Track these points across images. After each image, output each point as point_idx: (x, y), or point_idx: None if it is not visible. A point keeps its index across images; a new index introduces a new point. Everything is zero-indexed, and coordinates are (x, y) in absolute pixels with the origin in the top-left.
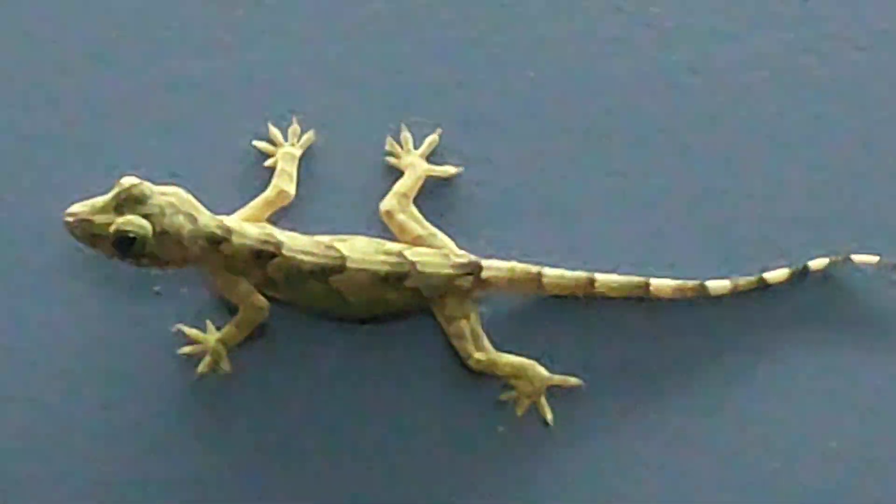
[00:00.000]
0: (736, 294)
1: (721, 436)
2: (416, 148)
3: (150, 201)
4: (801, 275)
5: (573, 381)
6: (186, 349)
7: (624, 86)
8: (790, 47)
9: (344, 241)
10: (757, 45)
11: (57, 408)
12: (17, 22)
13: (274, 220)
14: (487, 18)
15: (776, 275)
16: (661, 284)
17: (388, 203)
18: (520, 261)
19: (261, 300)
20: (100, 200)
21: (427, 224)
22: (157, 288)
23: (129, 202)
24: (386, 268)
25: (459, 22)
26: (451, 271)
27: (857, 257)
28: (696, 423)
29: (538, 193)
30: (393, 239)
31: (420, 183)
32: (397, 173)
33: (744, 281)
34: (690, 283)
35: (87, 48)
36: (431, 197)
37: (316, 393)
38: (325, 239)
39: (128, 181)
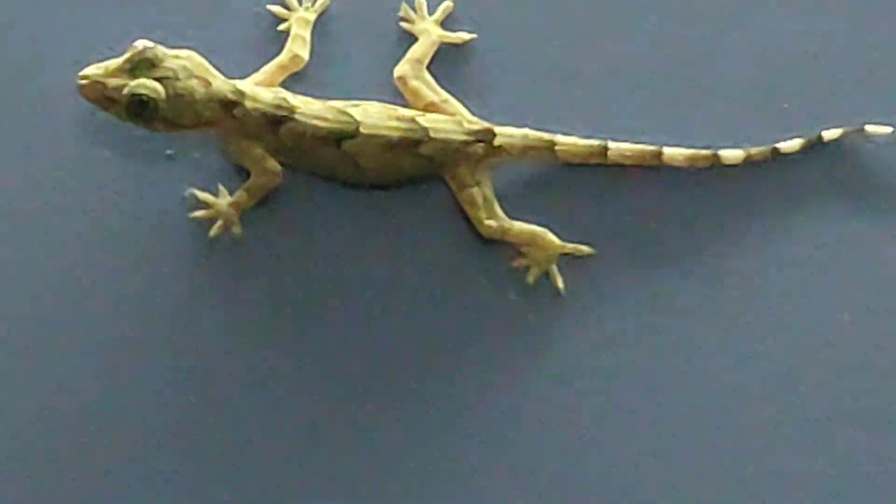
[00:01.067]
0: (749, 163)
1: (732, 306)
2: (430, 13)
3: (163, 64)
4: (815, 145)
5: (585, 249)
6: (199, 213)
7: None
8: None
9: (357, 106)
10: None
11: (68, 270)
12: None
13: (287, 84)
14: None
15: (789, 145)
16: (674, 153)
17: (401, 69)
18: (533, 128)
19: (273, 165)
20: (113, 63)
21: (440, 90)
22: (169, 151)
23: (142, 65)
24: (398, 133)
25: None
26: (464, 137)
27: (870, 128)
28: (708, 293)
29: (552, 60)
30: (406, 105)
31: (434, 49)
32: (411, 39)
33: (757, 150)
34: (704, 151)
35: None
36: (445, 63)
37: (327, 259)
38: (339, 104)
39: (141, 44)
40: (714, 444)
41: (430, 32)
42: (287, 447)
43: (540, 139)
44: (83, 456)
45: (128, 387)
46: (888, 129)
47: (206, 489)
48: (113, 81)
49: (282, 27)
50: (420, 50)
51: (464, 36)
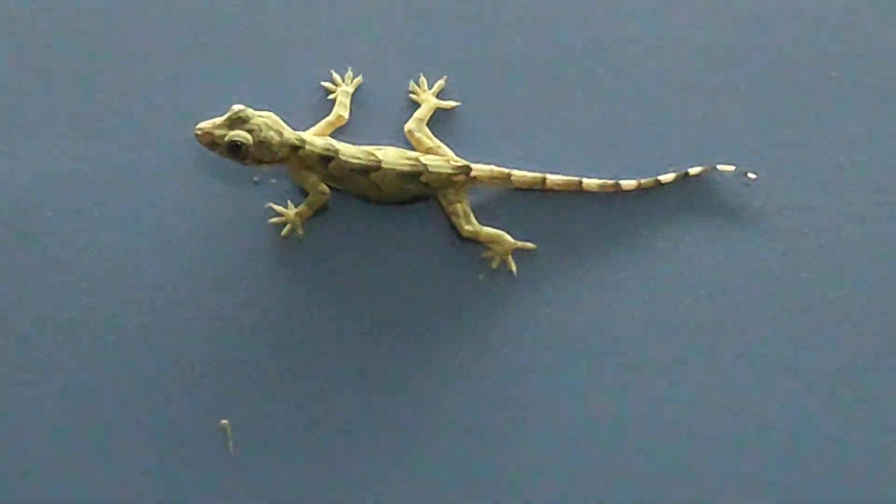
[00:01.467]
0: (640, 189)
1: (628, 285)
2: (429, 88)
3: (251, 121)
4: (684, 177)
5: (530, 245)
6: (275, 220)
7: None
8: None
9: (380, 150)
10: None
11: (184, 261)
12: None
13: (333, 135)
14: (483, 14)
15: (667, 177)
16: (590, 182)
17: (409, 125)
18: (496, 165)
19: (324, 188)
20: (218, 120)
21: (435, 139)
22: (255, 179)
23: (237, 121)
24: (407, 168)
25: (465, 14)
26: (450, 171)
27: (721, 166)
28: (608, 277)
29: (509, 121)
30: (412, 149)
31: (431, 112)
32: (416, 105)
33: (645, 181)
34: (610, 181)
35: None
36: (439, 121)
37: (357, 250)
38: (367, 148)
39: (237, 107)
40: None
41: (428, 101)
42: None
43: (501, 172)
44: (179, 444)
45: (230, 367)
46: (732, 168)
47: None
48: (218, 132)
49: (331, 96)
50: (422, 112)
51: (451, 103)
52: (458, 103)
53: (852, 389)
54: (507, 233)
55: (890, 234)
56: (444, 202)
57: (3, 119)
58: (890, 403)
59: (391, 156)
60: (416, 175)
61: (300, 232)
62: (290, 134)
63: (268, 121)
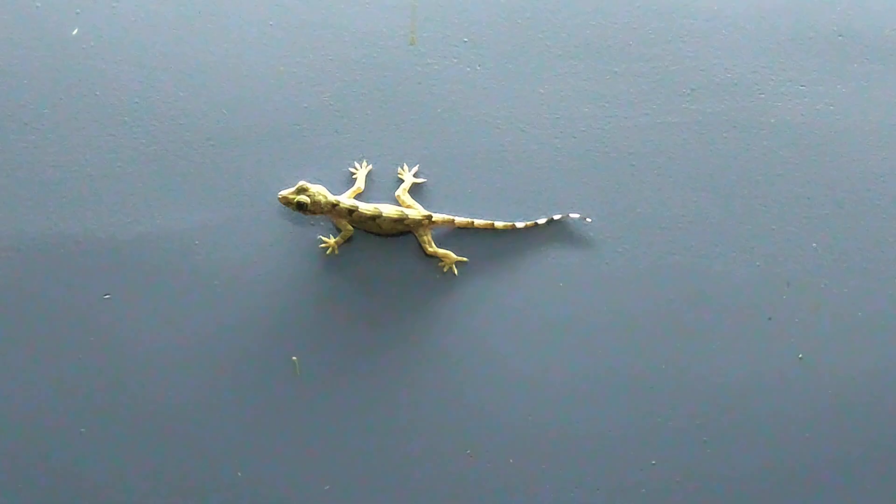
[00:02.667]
0: (526, 228)
1: (522, 292)
2: (409, 170)
3: (310, 190)
4: (551, 221)
5: (464, 259)
6: (322, 245)
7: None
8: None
9: (381, 205)
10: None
11: (268, 274)
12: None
13: (356, 198)
14: (441, 126)
15: (542, 220)
16: (498, 224)
17: (397, 192)
18: (446, 214)
19: (350, 228)
20: (291, 189)
21: (412, 199)
22: (312, 223)
23: (301, 190)
24: (397, 215)
25: (430, 128)
26: (421, 217)
27: (572, 215)
28: (496, 287)
29: (453, 189)
30: (399, 206)
31: (410, 184)
32: (401, 181)
33: (529, 223)
34: (510, 223)
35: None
36: (414, 189)
37: (370, 263)
38: (374, 205)
39: (301, 182)
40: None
41: (408, 178)
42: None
43: (448, 218)
44: (223, 447)
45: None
46: (577, 215)
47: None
48: (291, 196)
49: (354, 176)
50: (404, 185)
51: (421, 180)
52: (425, 180)
53: (656, 393)
54: (452, 252)
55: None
56: (417, 235)
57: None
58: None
59: (387, 209)
60: (402, 220)
61: (336, 252)
62: (331, 197)
63: (319, 190)
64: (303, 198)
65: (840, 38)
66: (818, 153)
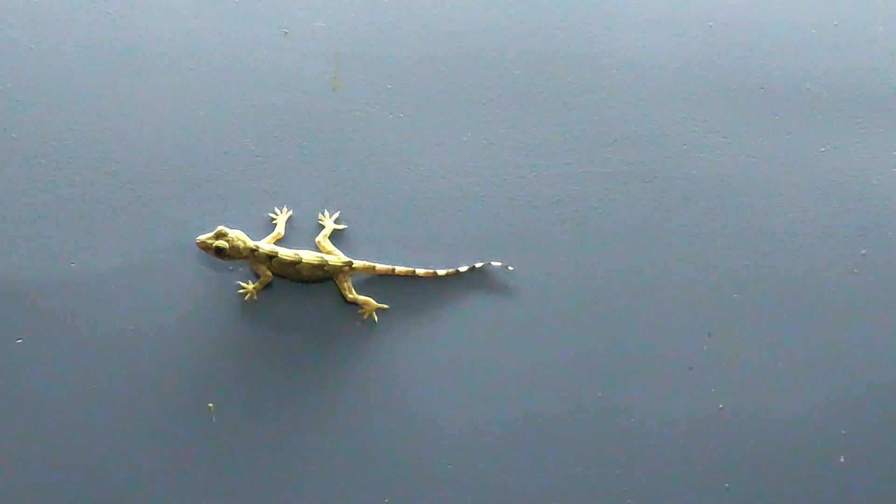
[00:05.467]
0: (447, 276)
1: (443, 338)
2: (329, 217)
3: (228, 234)
4: (472, 269)
5: (385, 306)
6: (241, 291)
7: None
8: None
9: (301, 251)
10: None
11: (181, 322)
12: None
13: (275, 243)
14: (360, 173)
15: (463, 268)
16: (420, 271)
17: (318, 238)
18: (367, 260)
19: (269, 273)
20: (209, 234)
21: (332, 246)
22: (230, 268)
23: (220, 235)
24: (317, 261)
25: (350, 175)
26: (341, 264)
27: (494, 263)
28: (426, 335)
29: (374, 235)
30: (319, 251)
31: (330, 231)
32: (322, 227)
33: (450, 270)
34: (430, 270)
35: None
36: (335, 235)
37: (288, 309)
38: (294, 251)
39: (220, 227)
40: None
41: (329, 224)
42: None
43: (368, 265)
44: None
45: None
46: (499, 264)
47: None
48: (209, 241)
49: (274, 221)
50: (325, 231)
51: (341, 226)
52: (346, 226)
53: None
54: (372, 298)
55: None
56: (337, 282)
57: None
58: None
59: (307, 255)
60: (322, 266)
61: (255, 298)
62: (250, 243)
63: (238, 235)
64: (221, 243)
65: (762, 90)
66: (739, 204)
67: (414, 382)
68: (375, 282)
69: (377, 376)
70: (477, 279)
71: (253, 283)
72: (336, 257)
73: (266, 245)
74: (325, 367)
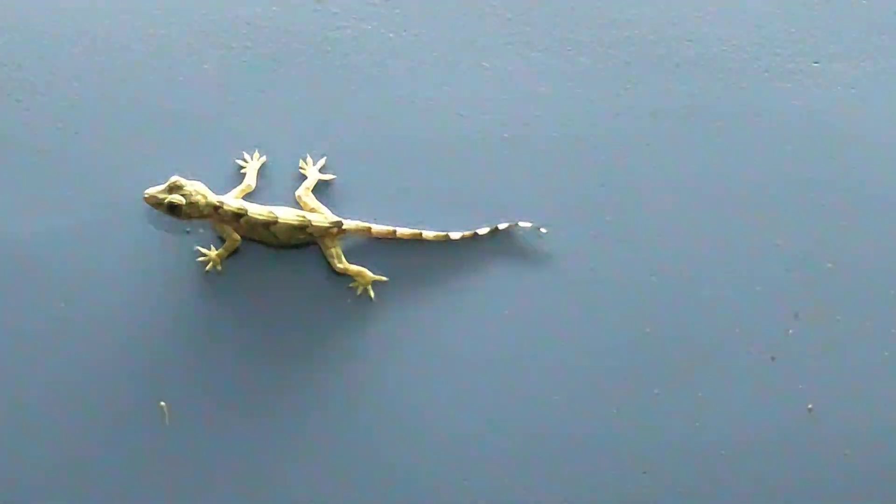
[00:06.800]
0: (464, 239)
1: (455, 316)
2: (314, 164)
3: (185, 187)
4: (495, 231)
5: (383, 278)
6: (201, 258)
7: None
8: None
9: (277, 209)
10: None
11: (128, 292)
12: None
13: (244, 198)
14: (353, 109)
15: (482, 230)
16: (428, 234)
17: (298, 191)
18: (360, 220)
19: (237, 236)
20: (161, 186)
21: (316, 201)
22: (188, 229)
23: (174, 188)
24: (297, 222)
25: (341, 110)
26: (328, 225)
27: (521, 223)
28: (441, 305)
29: (371, 188)
30: (301, 209)
31: (314, 182)
32: (304, 177)
33: (467, 233)
34: (442, 233)
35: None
36: (320, 189)
37: (260, 282)
38: (268, 207)
39: (174, 178)
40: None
41: (312, 174)
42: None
43: (363, 226)
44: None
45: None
46: (529, 224)
47: None
48: (160, 195)
49: (242, 170)
50: (308, 182)
51: (329, 176)
52: (334, 176)
53: (637, 411)
54: (367, 269)
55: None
56: (323, 247)
57: None
58: (679, 429)
59: (285, 213)
60: (303, 227)
61: (219, 268)
62: (212, 197)
63: (197, 187)
64: (176, 198)
65: (864, 1)
66: (833, 149)
67: (417, 376)
68: (371, 247)
69: (372, 368)
70: (500, 244)
71: (216, 249)
72: (321, 216)
73: (233, 201)
74: (305, 356)
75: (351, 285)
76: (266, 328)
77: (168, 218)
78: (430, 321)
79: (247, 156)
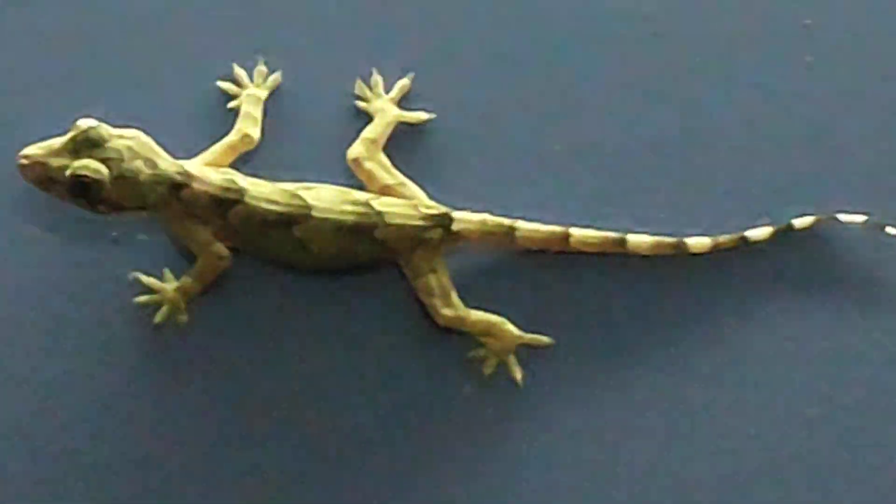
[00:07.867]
0: (717, 251)
1: (696, 398)
2: (386, 92)
3: (107, 144)
4: (785, 233)
5: (545, 339)
6: (143, 298)
7: (600, 33)
8: None
9: (309, 189)
10: None
11: (4, 354)
12: None
13: (237, 165)
14: None
15: (758, 233)
16: (639, 240)
17: (356, 150)
18: (493, 213)
19: (221, 249)
20: (56, 142)
21: (397, 173)
22: (114, 234)
23: (85, 145)
24: (352, 218)
25: None
26: (420, 223)
27: (843, 217)
28: (671, 385)
29: (514, 142)
30: (360, 188)
31: (390, 129)
32: (367, 118)
33: (725, 238)
34: (669, 239)
35: None
36: (402, 144)
37: (277, 348)
38: (290, 186)
39: (85, 123)
40: None
41: (386, 112)
42: None
43: (500, 224)
44: None
45: (65, 471)
46: (862, 218)
47: None
48: (55, 162)
49: (231, 105)
50: (375, 130)
51: (422, 115)
52: (432, 115)
53: None
54: (508, 319)
55: None
56: (409, 272)
57: None
58: None
59: (327, 199)
60: (366, 229)
61: (182, 318)
62: (168, 164)
63: (133, 144)
64: (87, 165)
65: None
66: None
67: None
68: (514, 272)
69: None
70: (795, 260)
71: (176, 279)
72: (407, 204)
73: (213, 171)
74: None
75: (472, 355)
76: (284, 440)
77: (73, 208)
78: (638, 425)
79: (240, 72)
